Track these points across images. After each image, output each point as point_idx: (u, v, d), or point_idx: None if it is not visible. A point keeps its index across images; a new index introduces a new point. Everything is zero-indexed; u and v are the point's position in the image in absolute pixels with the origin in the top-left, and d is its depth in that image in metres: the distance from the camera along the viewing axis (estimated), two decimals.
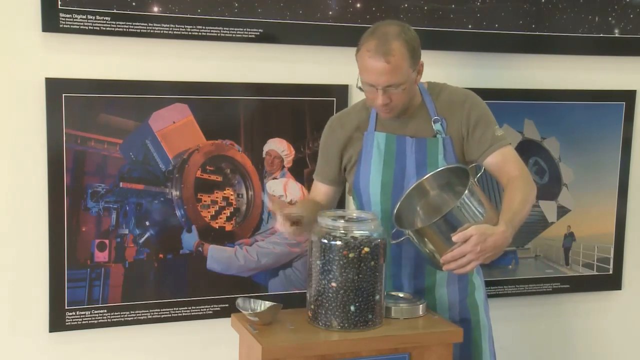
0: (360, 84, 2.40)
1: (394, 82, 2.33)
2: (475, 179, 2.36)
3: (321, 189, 2.63)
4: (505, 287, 3.27)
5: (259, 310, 2.31)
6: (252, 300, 2.35)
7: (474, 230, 2.22)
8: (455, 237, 2.22)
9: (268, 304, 2.32)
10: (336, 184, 2.62)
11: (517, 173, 2.43)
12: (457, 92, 2.54)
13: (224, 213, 2.91)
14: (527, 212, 2.39)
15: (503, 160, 2.45)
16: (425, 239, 2.31)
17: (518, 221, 2.34)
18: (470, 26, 3.06)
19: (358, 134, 2.53)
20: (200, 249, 2.88)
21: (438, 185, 2.46)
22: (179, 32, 2.75)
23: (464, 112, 2.48)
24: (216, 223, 2.90)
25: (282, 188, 2.96)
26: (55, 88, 2.65)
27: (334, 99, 2.96)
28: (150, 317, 2.85)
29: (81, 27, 2.64)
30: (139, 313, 2.84)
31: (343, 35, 2.90)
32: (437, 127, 2.47)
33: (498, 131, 2.48)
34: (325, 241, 2.26)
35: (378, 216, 2.40)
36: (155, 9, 2.71)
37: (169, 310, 2.87)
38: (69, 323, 2.76)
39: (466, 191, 2.28)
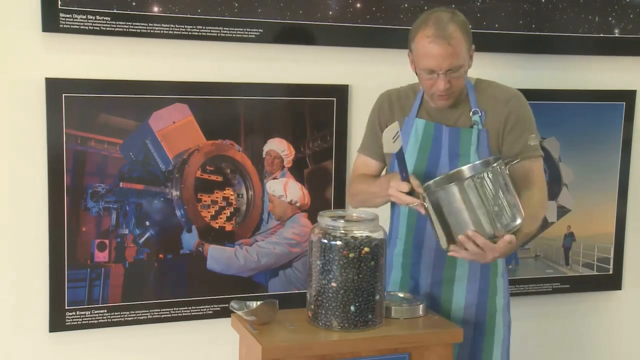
0: (417, 73, 2.42)
1: (455, 65, 2.35)
2: (506, 167, 2.31)
3: (370, 164, 2.61)
4: None
5: (254, 308, 2.30)
6: (246, 301, 2.35)
7: (514, 240, 2.27)
8: (500, 233, 2.24)
9: (263, 301, 2.32)
10: (383, 160, 2.60)
11: (536, 190, 2.44)
12: (505, 90, 2.54)
13: (224, 213, 2.91)
14: (534, 230, 2.49)
15: (528, 172, 2.45)
16: (433, 209, 2.28)
17: (524, 241, 2.45)
18: (470, 26, 3.05)
19: (401, 118, 2.54)
20: (200, 249, 2.88)
21: None
22: (179, 32, 2.75)
23: (506, 110, 2.47)
24: (216, 223, 2.90)
25: (282, 188, 2.96)
26: (55, 88, 2.65)
27: (334, 99, 2.96)
28: (150, 317, 2.85)
29: (81, 27, 2.64)
30: (139, 313, 2.84)
31: (343, 35, 2.91)
32: (475, 118, 2.47)
33: (532, 140, 2.48)
34: (325, 241, 2.26)
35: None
36: (155, 9, 2.71)
37: (169, 310, 2.87)
38: (69, 323, 2.76)
39: (482, 173, 2.24)
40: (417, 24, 2.40)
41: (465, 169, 2.41)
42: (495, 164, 2.27)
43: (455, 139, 2.47)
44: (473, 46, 2.43)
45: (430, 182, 2.38)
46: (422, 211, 2.29)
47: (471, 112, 2.48)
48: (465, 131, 2.47)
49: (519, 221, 2.29)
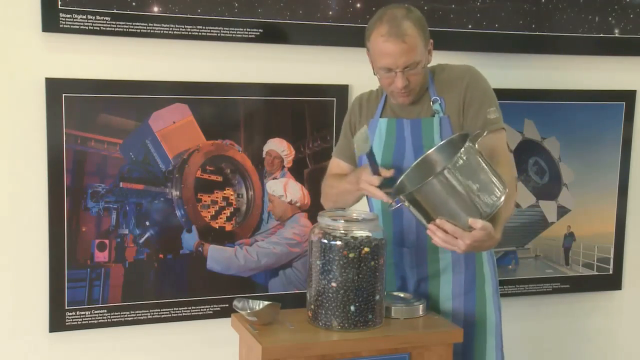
0: (375, 72, 2.41)
1: (411, 61, 2.34)
2: (473, 145, 2.24)
3: (342, 166, 2.61)
4: (505, 287, 3.27)
5: (257, 309, 2.31)
6: (249, 300, 2.35)
7: (489, 228, 2.17)
8: (472, 222, 2.16)
9: (266, 303, 2.32)
10: (354, 162, 2.59)
11: (503, 168, 2.36)
12: (458, 69, 2.51)
13: (224, 213, 2.91)
14: (512, 213, 2.39)
15: (491, 149, 2.38)
16: (413, 207, 2.24)
17: (503, 221, 2.32)
18: (470, 26, 3.06)
19: (368, 120, 2.54)
20: (200, 249, 2.88)
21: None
22: (179, 32, 2.75)
23: (462, 87, 2.45)
24: (216, 223, 2.90)
25: (282, 188, 2.96)
26: (55, 88, 2.65)
27: (334, 99, 2.96)
28: (150, 317, 2.85)
29: (81, 27, 2.64)
30: (139, 313, 2.84)
31: (343, 35, 2.91)
32: (435, 107, 2.45)
33: (492, 113, 2.42)
34: (325, 241, 2.26)
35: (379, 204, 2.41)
36: (155, 9, 2.71)
37: (169, 310, 2.87)
38: (69, 323, 2.76)
39: (456, 157, 2.19)
40: (371, 22, 2.40)
41: (432, 154, 2.36)
42: (465, 146, 2.19)
43: (417, 130, 2.45)
44: (431, 41, 2.41)
45: (402, 177, 2.34)
46: (392, 202, 2.28)
47: (431, 102, 2.46)
48: (427, 121, 2.45)
49: (502, 198, 2.22)
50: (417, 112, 2.48)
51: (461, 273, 2.52)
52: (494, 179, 2.23)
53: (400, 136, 2.48)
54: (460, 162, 2.18)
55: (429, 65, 2.48)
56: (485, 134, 2.32)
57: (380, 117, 2.52)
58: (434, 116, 2.45)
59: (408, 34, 2.32)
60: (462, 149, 2.19)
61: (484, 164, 2.23)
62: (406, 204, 2.24)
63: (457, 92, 2.45)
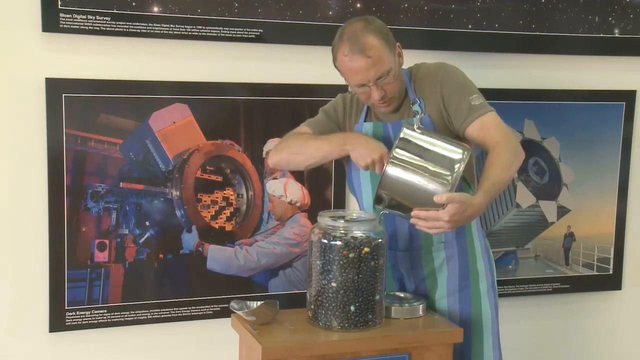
0: (351, 89, 2.42)
1: (381, 72, 2.33)
2: (410, 126, 2.27)
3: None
4: (505, 287, 3.27)
5: (254, 308, 2.31)
6: (247, 301, 2.35)
7: (458, 198, 2.16)
8: (437, 198, 2.16)
9: (263, 301, 2.32)
10: None
11: (499, 139, 2.34)
12: (431, 67, 2.50)
13: (224, 213, 2.91)
14: (508, 179, 2.34)
15: (483, 129, 2.37)
16: (393, 208, 2.28)
17: (496, 190, 2.29)
18: (470, 26, 3.06)
19: (352, 124, 2.55)
20: (200, 249, 2.88)
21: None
22: (179, 32, 2.75)
23: (438, 84, 2.44)
24: (216, 223, 2.90)
25: (282, 188, 2.96)
26: (55, 88, 2.65)
27: (334, 99, 2.95)
28: (150, 317, 2.85)
29: (81, 27, 2.64)
30: (139, 313, 2.84)
31: None
32: (415, 108, 2.45)
33: (476, 100, 2.40)
34: (325, 241, 2.26)
35: (371, 206, 2.40)
36: (155, 9, 2.71)
37: (169, 310, 2.87)
38: (69, 323, 2.76)
39: (397, 141, 2.23)
40: (334, 42, 2.39)
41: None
42: (402, 128, 2.24)
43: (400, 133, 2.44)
44: (398, 44, 2.41)
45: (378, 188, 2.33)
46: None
47: (411, 103, 2.46)
48: (407, 122, 2.42)
49: (462, 164, 2.22)
50: (399, 115, 2.49)
51: (455, 269, 2.53)
52: (446, 150, 2.25)
53: (387, 140, 2.47)
54: (402, 145, 2.22)
55: (405, 67, 2.49)
56: (420, 114, 2.38)
57: (365, 121, 2.52)
58: (415, 117, 2.45)
59: (371, 47, 2.31)
60: (401, 130, 2.23)
61: (431, 139, 2.26)
62: (387, 210, 2.29)
63: (434, 88, 2.44)
